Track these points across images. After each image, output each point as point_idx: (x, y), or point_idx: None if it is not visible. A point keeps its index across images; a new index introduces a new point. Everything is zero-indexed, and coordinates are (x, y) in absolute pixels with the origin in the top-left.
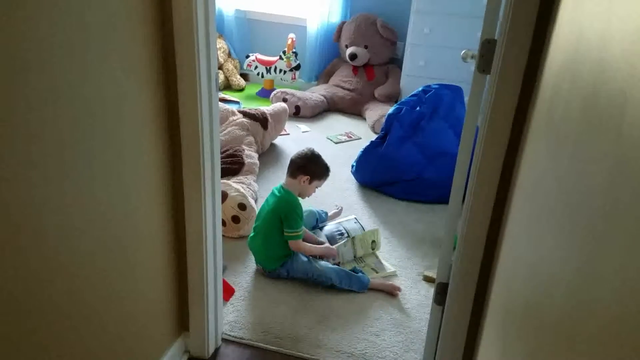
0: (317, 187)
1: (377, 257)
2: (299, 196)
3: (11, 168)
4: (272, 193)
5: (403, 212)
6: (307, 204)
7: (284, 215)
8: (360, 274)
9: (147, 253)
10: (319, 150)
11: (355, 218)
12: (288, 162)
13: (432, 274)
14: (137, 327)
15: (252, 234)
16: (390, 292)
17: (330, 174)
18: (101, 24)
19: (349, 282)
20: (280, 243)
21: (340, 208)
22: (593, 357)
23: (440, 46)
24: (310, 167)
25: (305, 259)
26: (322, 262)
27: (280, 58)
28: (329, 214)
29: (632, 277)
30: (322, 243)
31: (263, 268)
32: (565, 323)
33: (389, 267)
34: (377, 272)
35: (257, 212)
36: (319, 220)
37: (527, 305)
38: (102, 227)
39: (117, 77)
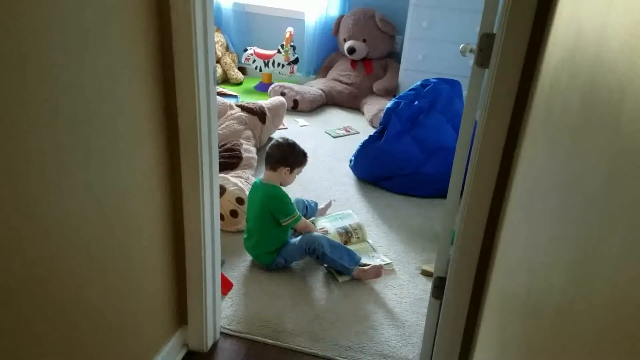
0: (297, 174)
1: (372, 247)
2: (281, 185)
3: (8, 164)
4: (253, 190)
5: (401, 206)
6: (299, 194)
7: (274, 209)
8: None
9: (145, 247)
10: (317, 144)
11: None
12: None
13: (430, 268)
14: (136, 321)
15: (245, 236)
16: (377, 276)
17: (329, 168)
18: (98, 17)
19: (339, 253)
20: (275, 237)
21: (330, 201)
22: (591, 349)
23: (438, 40)
24: (289, 158)
25: (295, 239)
26: (314, 233)
27: (279, 52)
28: (320, 207)
29: (629, 270)
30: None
31: (261, 264)
32: (563, 316)
33: (385, 259)
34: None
35: (246, 212)
36: (308, 209)
37: (525, 299)
38: (100, 222)
39: (115, 71)
